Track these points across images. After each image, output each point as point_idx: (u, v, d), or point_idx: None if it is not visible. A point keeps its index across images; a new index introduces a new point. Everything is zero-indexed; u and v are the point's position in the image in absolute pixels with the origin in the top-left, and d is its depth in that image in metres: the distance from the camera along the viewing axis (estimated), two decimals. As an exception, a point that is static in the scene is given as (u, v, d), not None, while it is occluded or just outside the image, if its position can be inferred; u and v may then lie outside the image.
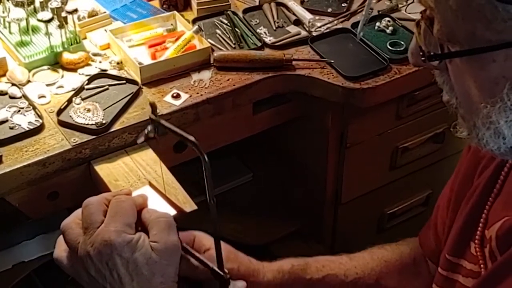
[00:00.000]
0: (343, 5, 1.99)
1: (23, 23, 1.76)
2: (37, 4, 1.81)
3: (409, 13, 1.97)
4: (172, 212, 1.37)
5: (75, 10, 1.76)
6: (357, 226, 2.11)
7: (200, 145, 1.11)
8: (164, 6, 1.96)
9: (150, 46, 1.78)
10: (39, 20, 1.73)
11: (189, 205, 1.44)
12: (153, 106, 1.23)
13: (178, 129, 1.16)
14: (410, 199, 2.19)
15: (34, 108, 1.61)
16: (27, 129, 1.56)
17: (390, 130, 1.94)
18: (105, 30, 1.83)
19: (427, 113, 1.97)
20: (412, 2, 1.98)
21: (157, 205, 1.34)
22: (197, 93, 1.68)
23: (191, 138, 1.12)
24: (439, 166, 2.14)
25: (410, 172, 2.09)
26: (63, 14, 1.74)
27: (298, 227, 2.14)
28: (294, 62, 1.77)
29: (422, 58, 1.04)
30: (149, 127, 1.22)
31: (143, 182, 1.50)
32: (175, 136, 1.16)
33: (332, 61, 1.77)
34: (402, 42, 1.85)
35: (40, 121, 1.58)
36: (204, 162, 1.11)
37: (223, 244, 1.28)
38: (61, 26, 1.73)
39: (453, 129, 1.11)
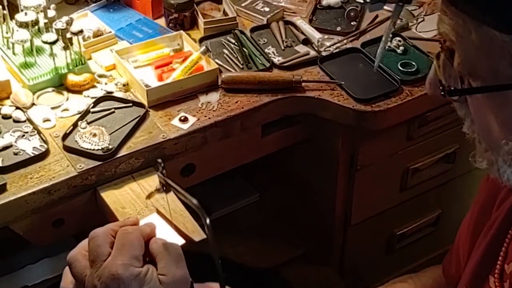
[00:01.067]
0: (352, 23, 1.96)
1: (27, 44, 1.73)
2: (41, 24, 1.78)
3: (420, 32, 1.93)
4: (181, 241, 1.34)
5: (80, 31, 1.73)
6: (366, 247, 2.08)
7: (202, 209, 1.08)
8: (171, 25, 1.93)
9: (157, 67, 1.76)
10: (44, 42, 1.71)
11: (198, 234, 1.41)
12: (160, 165, 1.20)
13: (183, 190, 1.13)
14: (420, 219, 2.16)
15: (39, 132, 1.59)
16: (32, 155, 1.53)
17: (401, 151, 1.91)
18: (111, 50, 1.80)
19: (438, 133, 1.94)
20: (423, 20, 1.95)
21: (165, 234, 1.31)
22: (205, 116, 1.66)
23: (195, 201, 1.09)
24: (449, 186, 2.13)
25: (420, 192, 2.07)
26: (68, 35, 1.71)
27: (306, 249, 2.11)
28: (303, 84, 1.74)
29: (442, 93, 1.01)
30: (158, 185, 1.21)
31: (150, 209, 1.47)
32: (181, 197, 1.14)
33: (343, 82, 1.75)
34: (414, 63, 1.81)
35: (45, 146, 1.55)
36: (206, 225, 1.07)
37: None
38: (66, 48, 1.71)
39: (472, 159, 1.08)
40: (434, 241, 2.19)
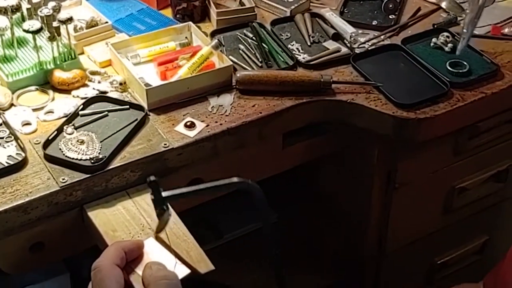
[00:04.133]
0: (390, 17, 1.82)
1: (7, 34, 1.60)
2: (24, 11, 1.65)
3: None
4: (183, 271, 1.19)
5: (70, 19, 1.56)
6: (403, 278, 1.93)
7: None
8: (178, 16, 1.80)
9: (160, 64, 1.62)
10: (25, 31, 1.55)
11: (204, 265, 1.26)
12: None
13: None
14: (464, 246, 2.01)
15: (16, 138, 1.45)
16: (6, 164, 1.39)
17: (446, 167, 1.75)
18: (106, 43, 1.67)
19: (489, 147, 1.78)
20: (473, 14, 1.72)
21: (165, 262, 1.18)
22: (216, 122, 1.52)
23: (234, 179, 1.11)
24: (499, 209, 1.99)
25: (466, 216, 1.91)
26: (55, 23, 1.55)
27: (333, 280, 1.96)
28: (333, 85, 1.60)
29: None
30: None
31: (147, 233, 1.30)
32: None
33: (381, 84, 1.58)
34: (465, 63, 1.63)
35: (23, 155, 1.41)
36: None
37: None
38: (52, 39, 1.56)
39: None
40: (478, 271, 2.03)
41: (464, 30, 1.58)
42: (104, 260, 1.07)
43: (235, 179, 1.11)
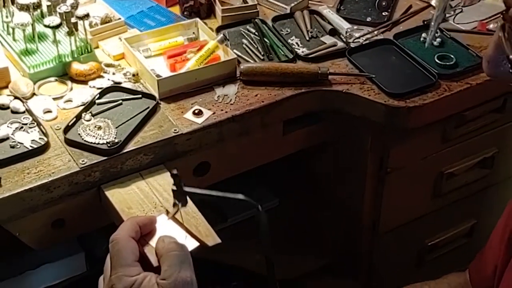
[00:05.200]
0: (383, 14, 1.86)
1: (29, 29, 1.64)
2: (44, 8, 1.68)
3: (457, 24, 1.81)
4: (193, 244, 1.24)
5: (87, 15, 1.62)
6: (395, 259, 1.95)
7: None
8: (185, 13, 1.84)
9: (169, 57, 1.66)
10: (46, 26, 1.61)
11: (212, 239, 1.31)
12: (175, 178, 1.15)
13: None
14: (453, 229, 2.04)
15: (39, 124, 1.49)
16: (30, 148, 1.44)
17: (435, 154, 1.79)
18: (120, 38, 1.71)
19: (476, 135, 1.82)
20: (461, 11, 1.80)
21: (176, 236, 1.21)
22: (222, 110, 1.56)
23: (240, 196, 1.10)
24: (486, 194, 2.01)
25: (454, 200, 1.95)
26: (73, 19, 1.60)
27: (330, 260, 1.99)
28: (330, 77, 1.64)
29: (511, 70, 0.87)
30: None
31: (159, 210, 1.37)
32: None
33: (374, 75, 1.63)
34: (452, 56, 1.69)
35: (45, 139, 1.45)
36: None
37: None
38: (70, 33, 1.61)
39: None
40: (467, 253, 2.04)
41: (432, 23, 1.65)
42: (120, 233, 1.09)
43: (241, 196, 1.15)
